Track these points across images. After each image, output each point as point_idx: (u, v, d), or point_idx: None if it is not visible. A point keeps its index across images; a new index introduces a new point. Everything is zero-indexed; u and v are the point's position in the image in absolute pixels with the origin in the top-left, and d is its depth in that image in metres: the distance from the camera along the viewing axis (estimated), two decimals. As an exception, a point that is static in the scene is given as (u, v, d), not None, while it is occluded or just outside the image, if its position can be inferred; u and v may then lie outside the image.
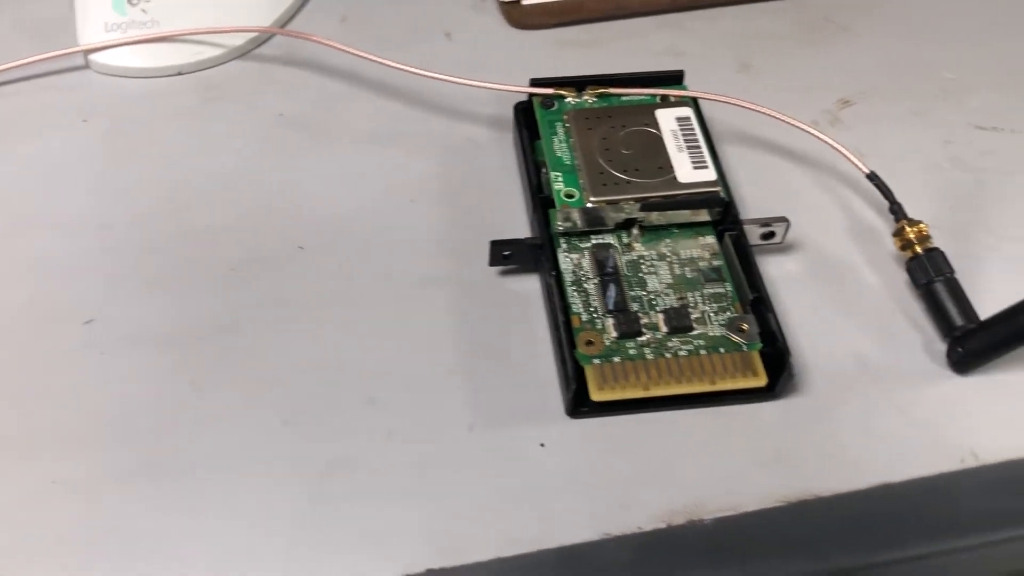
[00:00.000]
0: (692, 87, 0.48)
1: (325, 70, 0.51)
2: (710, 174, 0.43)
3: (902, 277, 0.43)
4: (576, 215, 0.42)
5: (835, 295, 0.43)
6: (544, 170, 0.44)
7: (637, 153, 0.43)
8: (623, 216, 0.42)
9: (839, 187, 0.47)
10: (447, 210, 0.46)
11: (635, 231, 0.43)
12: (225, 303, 0.42)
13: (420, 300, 0.42)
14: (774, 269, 0.44)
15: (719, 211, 0.43)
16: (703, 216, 0.43)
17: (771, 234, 0.43)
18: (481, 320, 0.42)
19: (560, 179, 0.43)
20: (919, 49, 0.55)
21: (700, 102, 0.47)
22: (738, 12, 0.56)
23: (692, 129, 0.44)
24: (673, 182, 0.42)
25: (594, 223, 0.42)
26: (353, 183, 0.47)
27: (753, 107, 0.46)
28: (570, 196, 0.42)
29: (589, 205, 0.42)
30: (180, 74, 0.51)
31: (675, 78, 0.47)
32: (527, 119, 0.46)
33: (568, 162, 0.44)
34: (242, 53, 0.52)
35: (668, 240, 0.43)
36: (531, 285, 0.43)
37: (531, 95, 0.46)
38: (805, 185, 0.47)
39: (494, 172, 0.47)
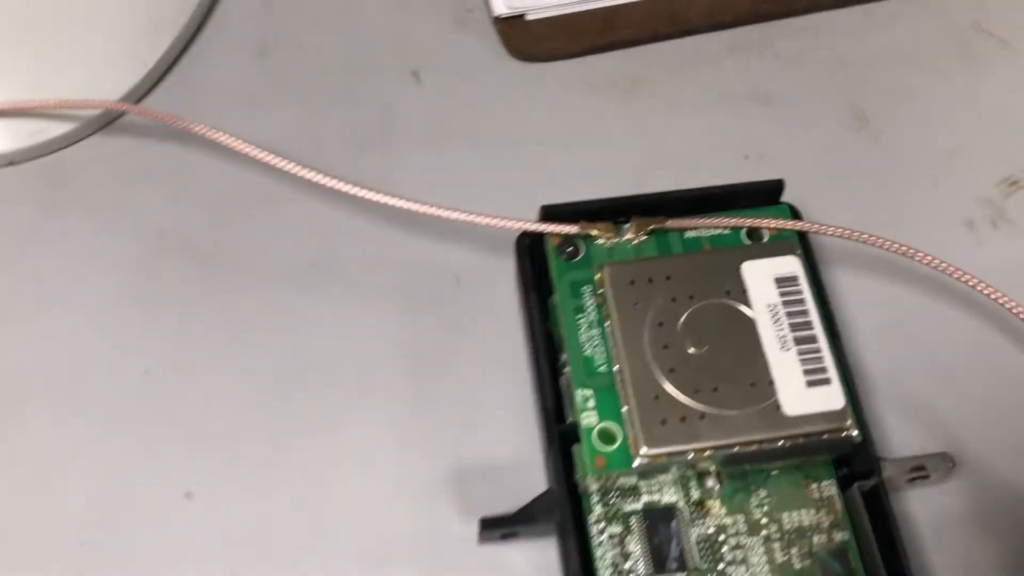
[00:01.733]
0: (787, 171, 0.31)
1: (221, 159, 0.34)
2: (835, 397, 0.26)
3: None
4: (617, 479, 0.26)
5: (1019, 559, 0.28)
6: (563, 370, 0.28)
7: (716, 352, 0.27)
8: (694, 471, 0.27)
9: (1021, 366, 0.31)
10: (412, 414, 0.30)
11: (711, 483, 0.27)
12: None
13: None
14: (918, 506, 0.29)
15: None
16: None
17: (924, 475, 0.28)
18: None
19: (591, 403, 0.27)
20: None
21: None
22: (847, 19, 0.38)
23: (802, 301, 0.28)
24: (775, 415, 0.26)
25: (648, 475, 0.27)
26: (263, 367, 0.30)
27: (896, 248, 0.29)
28: (608, 438, 0.27)
29: (639, 461, 0.26)
30: (12, 164, 0.34)
31: (769, 191, 0.30)
32: (536, 262, 0.30)
33: (603, 368, 0.28)
34: (101, 126, 0.34)
35: (763, 493, 0.27)
36: (544, 555, 0.28)
37: (539, 235, 0.29)
38: (969, 363, 0.31)
39: (489, 338, 0.31)
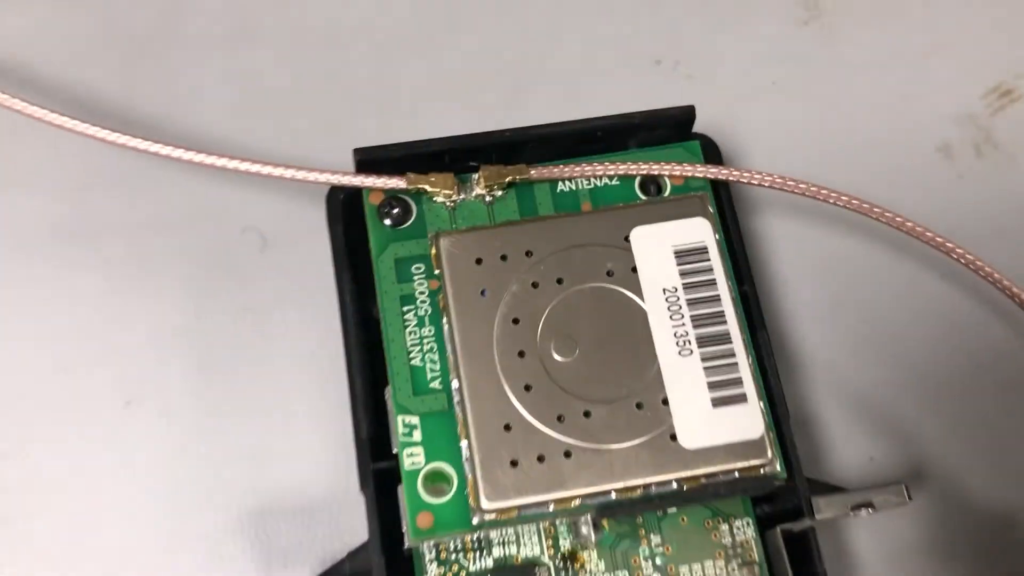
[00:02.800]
0: (711, 81, 0.23)
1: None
2: (752, 422, 0.19)
3: None
4: (452, 539, 0.19)
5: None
6: (387, 392, 0.20)
7: (590, 360, 0.19)
8: (562, 519, 0.20)
9: (1004, 340, 0.24)
10: (195, 431, 0.22)
11: (586, 529, 0.20)
12: None
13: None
14: (863, 537, 0.22)
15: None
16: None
17: (870, 510, 0.21)
18: None
19: (416, 434, 0.20)
20: None
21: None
22: None
23: (712, 283, 0.20)
24: (669, 449, 0.19)
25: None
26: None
27: (846, 203, 0.21)
28: (438, 484, 0.19)
29: (480, 518, 0.19)
30: None
31: (676, 121, 0.22)
32: (356, 226, 0.22)
33: (436, 383, 0.20)
34: None
35: (656, 539, 0.20)
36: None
37: (358, 190, 0.21)
38: (935, 347, 0.23)
39: (305, 323, 0.23)
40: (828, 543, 0.21)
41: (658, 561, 0.20)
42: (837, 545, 0.22)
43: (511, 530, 0.20)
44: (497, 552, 0.20)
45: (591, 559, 0.20)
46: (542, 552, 0.20)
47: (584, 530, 0.20)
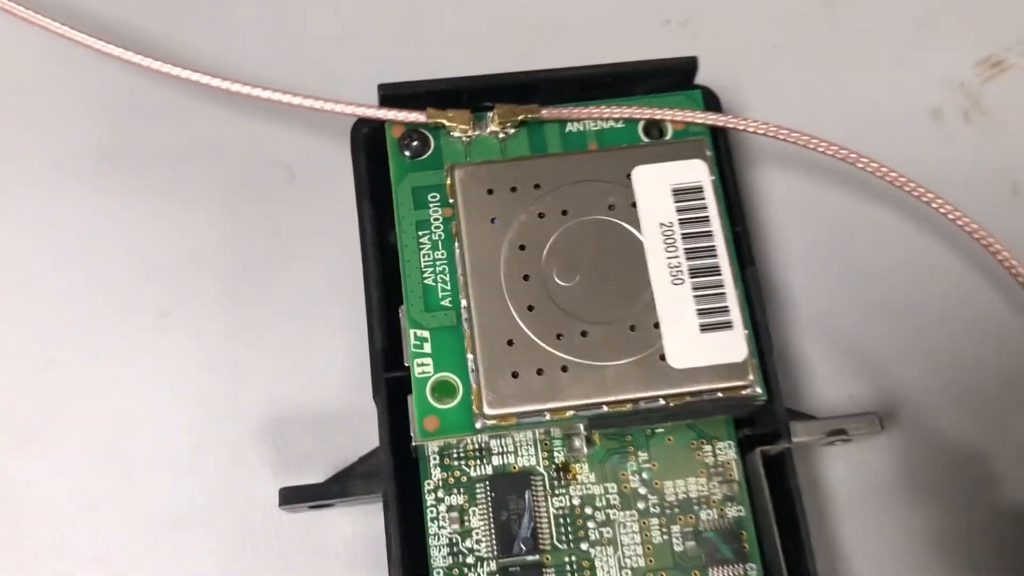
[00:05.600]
0: (717, 41, 0.24)
1: None
2: (736, 346, 0.21)
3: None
4: (456, 445, 0.21)
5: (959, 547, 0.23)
6: (401, 311, 0.22)
7: (589, 285, 0.21)
8: (557, 431, 0.22)
9: (978, 290, 0.25)
10: (223, 343, 0.24)
11: (578, 442, 0.22)
12: None
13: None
14: (838, 467, 0.24)
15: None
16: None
17: (845, 438, 0.23)
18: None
19: (426, 346, 0.21)
20: None
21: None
22: None
23: (705, 219, 0.22)
24: (658, 368, 0.21)
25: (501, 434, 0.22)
26: (36, 282, 0.24)
27: (834, 152, 0.23)
28: (446, 392, 0.21)
29: (482, 423, 0.21)
30: None
31: (680, 71, 0.23)
32: (378, 158, 0.23)
33: (447, 302, 0.22)
34: None
35: (643, 456, 0.22)
36: (378, 519, 0.23)
37: (381, 123, 0.23)
38: (916, 294, 0.25)
39: (327, 250, 0.25)
40: (804, 476, 0.23)
41: (645, 476, 0.22)
42: (812, 479, 0.23)
43: (509, 440, 0.22)
44: (497, 461, 0.22)
45: (583, 471, 0.22)
46: (538, 463, 0.22)
47: (577, 443, 0.22)
